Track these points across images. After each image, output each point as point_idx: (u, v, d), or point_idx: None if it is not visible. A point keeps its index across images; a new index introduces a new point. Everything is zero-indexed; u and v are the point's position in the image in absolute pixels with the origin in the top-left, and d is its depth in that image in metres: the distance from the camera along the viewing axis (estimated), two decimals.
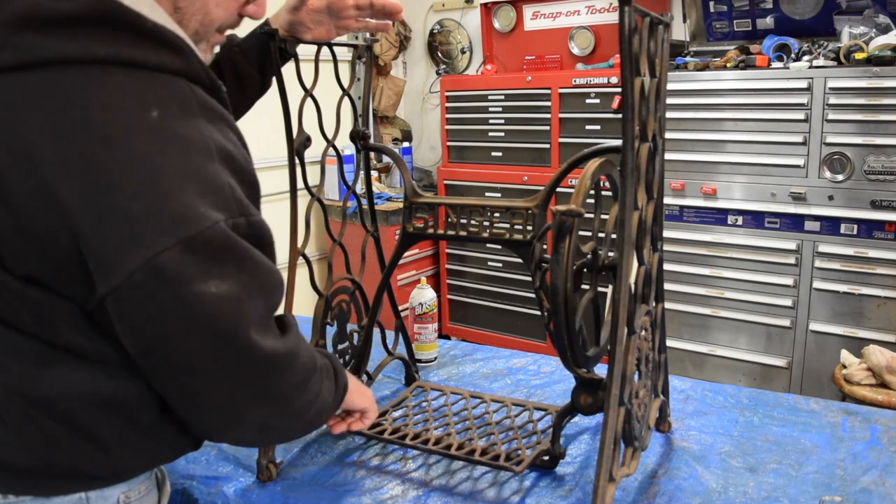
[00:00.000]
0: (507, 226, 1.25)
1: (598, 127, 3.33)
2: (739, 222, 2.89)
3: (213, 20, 0.83)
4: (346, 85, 1.32)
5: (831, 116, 2.61)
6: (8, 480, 0.78)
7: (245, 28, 1.20)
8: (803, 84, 2.64)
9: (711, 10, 3.14)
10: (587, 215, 0.98)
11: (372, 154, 1.52)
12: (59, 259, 0.69)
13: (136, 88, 0.69)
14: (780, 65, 2.78)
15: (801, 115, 2.66)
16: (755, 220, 2.85)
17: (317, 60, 1.24)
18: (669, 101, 1.16)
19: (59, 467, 0.78)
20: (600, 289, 1.16)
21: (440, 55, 4.37)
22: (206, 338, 0.71)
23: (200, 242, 0.68)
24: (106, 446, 0.79)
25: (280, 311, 0.84)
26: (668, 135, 1.16)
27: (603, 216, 1.19)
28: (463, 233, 1.29)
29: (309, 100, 1.23)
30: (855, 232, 2.65)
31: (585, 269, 1.10)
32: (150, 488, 0.90)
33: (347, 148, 3.50)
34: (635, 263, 1.01)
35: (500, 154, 3.69)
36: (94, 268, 0.68)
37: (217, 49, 0.90)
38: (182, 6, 0.78)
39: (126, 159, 0.66)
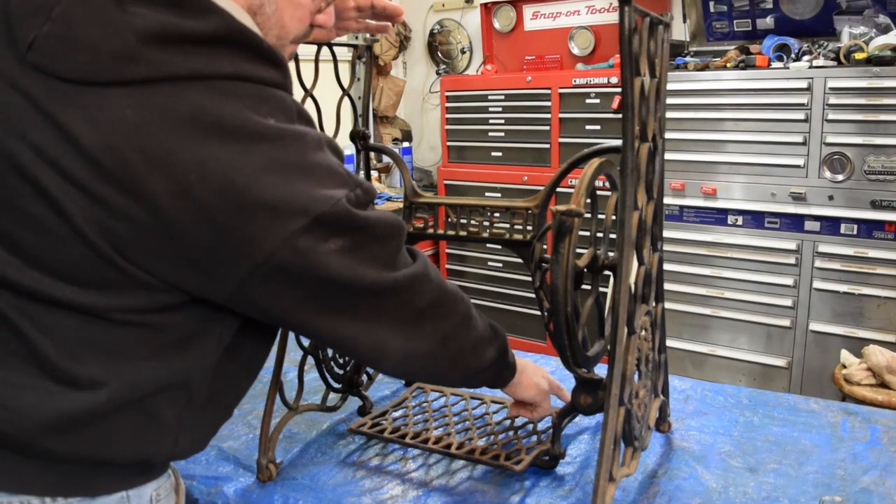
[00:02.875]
0: (507, 226, 1.25)
1: (598, 127, 3.33)
2: (739, 222, 2.89)
3: (289, 33, 0.89)
4: (346, 85, 1.32)
5: (831, 116, 2.61)
6: (65, 480, 0.79)
7: None
8: (803, 84, 2.64)
9: (711, 10, 3.14)
10: (587, 215, 0.98)
11: (372, 154, 1.52)
12: (198, 253, 0.74)
13: (255, 100, 0.75)
14: (780, 65, 2.79)
15: (801, 115, 2.67)
16: (755, 220, 2.85)
17: (317, 60, 1.24)
18: (669, 101, 1.16)
19: (126, 454, 0.81)
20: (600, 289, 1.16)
21: (440, 55, 4.37)
22: (337, 288, 0.80)
23: (328, 217, 0.76)
24: (169, 428, 0.83)
25: None
26: (668, 135, 1.16)
27: (601, 216, 1.19)
28: (463, 233, 1.29)
29: (309, 100, 1.23)
30: (855, 232, 2.65)
31: (586, 269, 1.10)
32: (171, 487, 0.93)
33: (347, 148, 3.50)
34: (635, 263, 1.01)
35: (500, 154, 3.69)
36: (234, 253, 0.74)
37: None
38: (260, 21, 0.84)
39: (257, 161, 0.72)
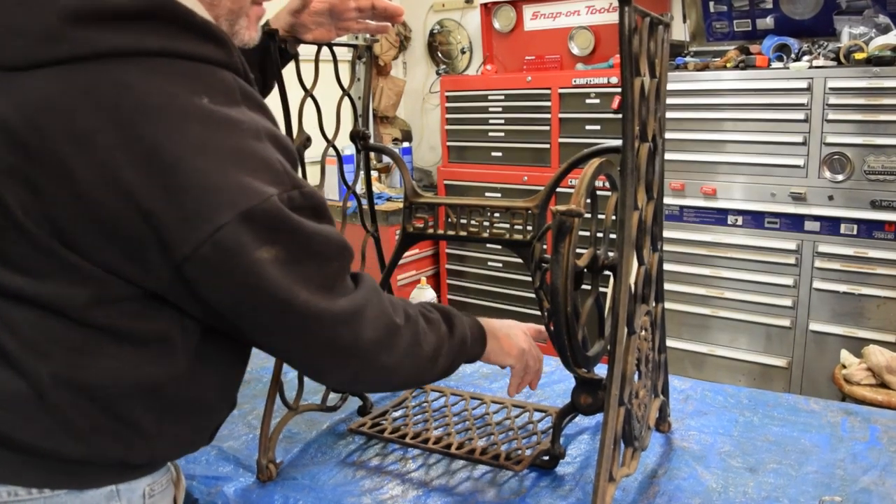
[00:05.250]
0: (507, 226, 1.25)
1: (598, 127, 3.33)
2: (739, 222, 2.89)
3: None
4: (346, 85, 1.32)
5: (831, 116, 2.61)
6: (48, 473, 0.79)
7: None
8: (803, 84, 2.64)
9: (711, 10, 3.13)
10: (587, 215, 0.98)
11: (372, 154, 1.52)
12: (128, 240, 0.72)
13: (186, 77, 0.72)
14: (780, 65, 2.78)
15: (801, 115, 2.66)
16: (755, 220, 2.85)
17: (317, 60, 1.24)
18: (669, 101, 1.16)
19: (101, 455, 0.80)
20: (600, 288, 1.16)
21: (440, 55, 4.37)
22: (268, 302, 0.75)
23: (257, 214, 0.71)
24: (144, 433, 0.81)
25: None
26: (668, 135, 1.16)
27: (601, 216, 1.19)
28: (463, 233, 1.29)
29: (309, 100, 1.23)
30: (855, 232, 2.65)
31: (586, 269, 1.10)
32: (169, 481, 0.92)
33: (347, 148, 3.50)
34: (635, 263, 1.01)
35: (500, 154, 3.69)
36: (163, 243, 0.71)
37: (262, 22, 0.94)
38: None
39: (184, 141, 0.70)
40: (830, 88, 2.59)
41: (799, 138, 2.68)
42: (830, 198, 2.67)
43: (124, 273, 0.74)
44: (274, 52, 1.16)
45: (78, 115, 0.69)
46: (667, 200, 2.97)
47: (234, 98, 0.75)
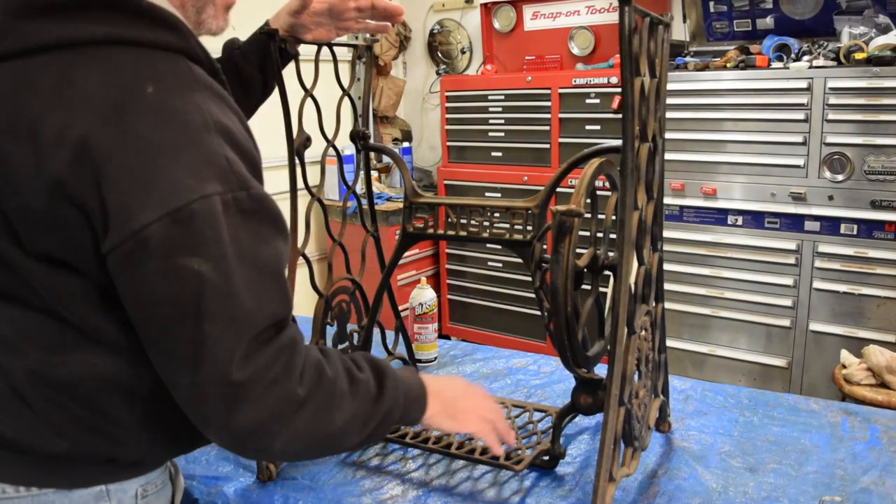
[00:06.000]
0: (507, 226, 1.25)
1: (598, 127, 3.33)
2: (739, 222, 2.89)
3: None
4: (346, 85, 1.32)
5: (831, 116, 2.61)
6: (35, 470, 0.79)
7: (247, 31, 1.20)
8: (803, 84, 2.64)
9: (711, 10, 3.13)
10: (587, 215, 0.98)
11: (372, 154, 1.52)
12: (67, 233, 0.71)
13: (133, 65, 0.71)
14: (780, 65, 2.78)
15: (800, 115, 2.66)
16: (755, 220, 2.85)
17: (317, 60, 1.24)
18: (669, 101, 1.16)
19: (86, 451, 0.79)
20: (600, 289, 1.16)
21: (440, 55, 4.37)
22: (186, 315, 0.70)
23: (187, 215, 0.68)
24: (128, 430, 0.80)
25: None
26: (668, 135, 1.16)
27: (601, 216, 1.19)
28: (463, 233, 1.29)
29: (309, 100, 1.23)
30: (855, 232, 2.65)
31: (586, 269, 1.10)
32: (165, 482, 0.91)
33: (347, 148, 3.50)
34: (635, 263, 1.01)
35: (500, 154, 3.69)
36: (94, 236, 0.70)
37: (230, 13, 0.92)
38: None
39: (119, 136, 0.68)
40: (830, 88, 2.59)
41: (799, 138, 2.69)
42: (830, 198, 2.67)
43: (76, 267, 0.73)
44: (274, 52, 1.16)
45: (21, 109, 0.69)
46: (667, 200, 2.97)
47: (185, 85, 0.72)
